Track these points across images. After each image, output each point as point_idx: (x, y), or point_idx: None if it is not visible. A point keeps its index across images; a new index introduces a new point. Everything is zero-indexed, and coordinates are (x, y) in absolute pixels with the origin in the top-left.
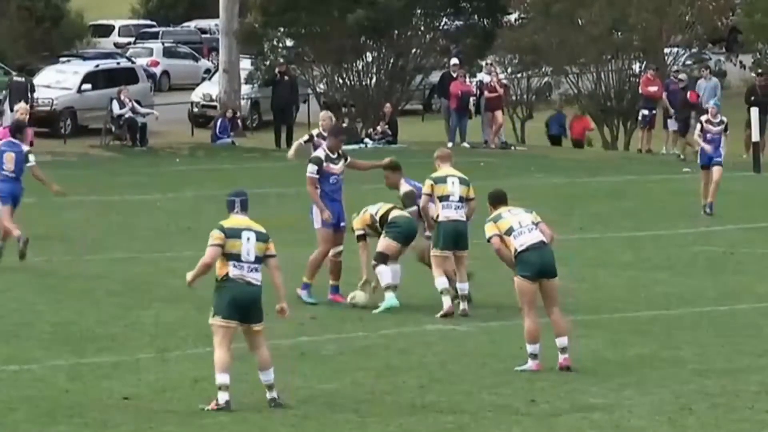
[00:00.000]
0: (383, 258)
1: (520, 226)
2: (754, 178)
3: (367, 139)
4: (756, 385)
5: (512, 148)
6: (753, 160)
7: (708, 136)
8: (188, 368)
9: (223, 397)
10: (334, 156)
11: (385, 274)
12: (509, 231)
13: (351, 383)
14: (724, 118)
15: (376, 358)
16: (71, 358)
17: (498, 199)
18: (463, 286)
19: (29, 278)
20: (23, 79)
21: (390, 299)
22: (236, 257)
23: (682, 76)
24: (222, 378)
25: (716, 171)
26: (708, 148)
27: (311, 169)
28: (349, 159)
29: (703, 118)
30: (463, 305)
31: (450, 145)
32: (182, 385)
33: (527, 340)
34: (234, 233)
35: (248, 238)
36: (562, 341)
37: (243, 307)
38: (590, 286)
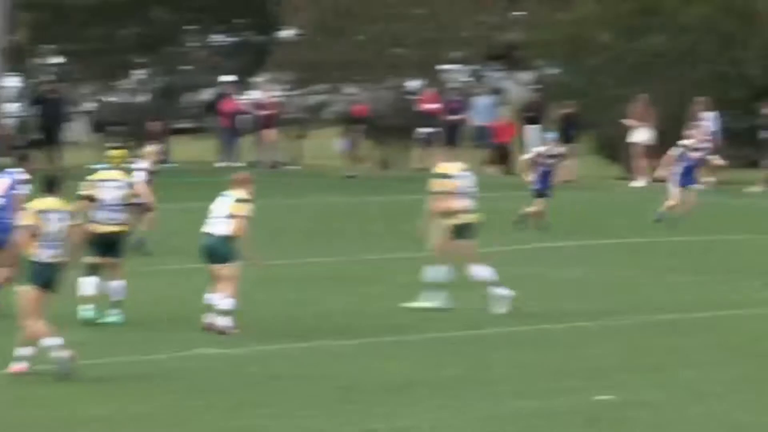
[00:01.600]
0: None
1: (49, 238)
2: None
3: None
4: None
5: (285, 167)
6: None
7: (541, 169)
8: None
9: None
10: None
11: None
12: (45, 237)
13: (161, 405)
14: (561, 149)
15: (182, 380)
16: None
17: (50, 186)
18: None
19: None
20: None
21: None
22: None
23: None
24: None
25: (541, 203)
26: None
27: None
28: None
29: (538, 149)
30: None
31: (223, 164)
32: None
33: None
34: None
35: None
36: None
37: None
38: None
